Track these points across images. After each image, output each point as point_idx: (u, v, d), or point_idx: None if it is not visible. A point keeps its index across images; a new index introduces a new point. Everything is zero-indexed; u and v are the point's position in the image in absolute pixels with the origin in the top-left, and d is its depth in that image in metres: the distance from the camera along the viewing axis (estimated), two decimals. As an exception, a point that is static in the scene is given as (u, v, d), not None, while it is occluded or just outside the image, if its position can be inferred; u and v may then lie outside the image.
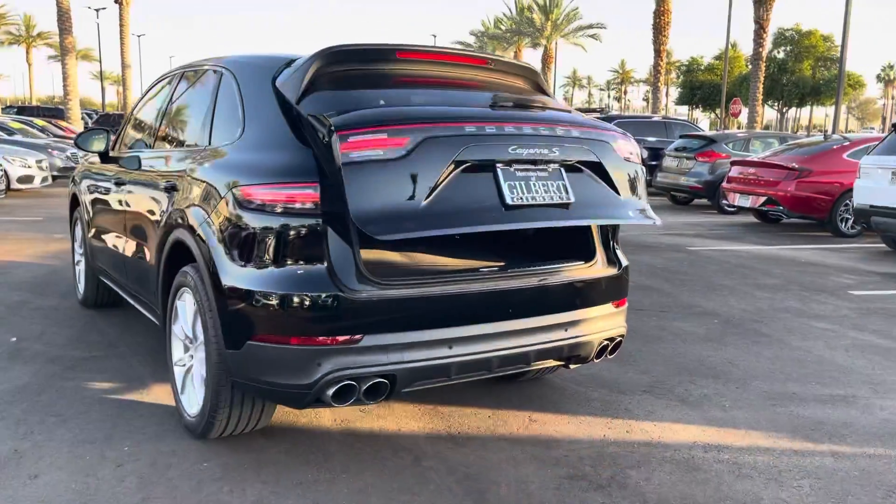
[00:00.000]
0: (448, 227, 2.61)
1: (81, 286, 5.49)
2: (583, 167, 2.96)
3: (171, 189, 3.41)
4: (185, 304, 3.22)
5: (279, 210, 2.70)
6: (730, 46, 71.00)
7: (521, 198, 2.76)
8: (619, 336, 3.29)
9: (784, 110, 67.04)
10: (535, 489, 2.84)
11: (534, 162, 2.82)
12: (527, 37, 46.35)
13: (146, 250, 3.74)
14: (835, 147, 10.82)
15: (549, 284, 3.04)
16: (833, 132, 18.48)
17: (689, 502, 2.77)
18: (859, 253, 9.11)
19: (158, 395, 3.73)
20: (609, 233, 3.34)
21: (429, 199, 2.58)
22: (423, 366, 2.77)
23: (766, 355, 4.66)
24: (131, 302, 4.32)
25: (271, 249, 2.72)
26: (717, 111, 52.34)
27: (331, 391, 2.69)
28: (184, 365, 3.32)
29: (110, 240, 4.46)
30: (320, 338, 2.66)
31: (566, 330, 3.08)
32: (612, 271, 3.28)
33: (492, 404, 3.68)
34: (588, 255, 3.25)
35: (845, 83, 24.26)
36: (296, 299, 2.67)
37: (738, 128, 45.26)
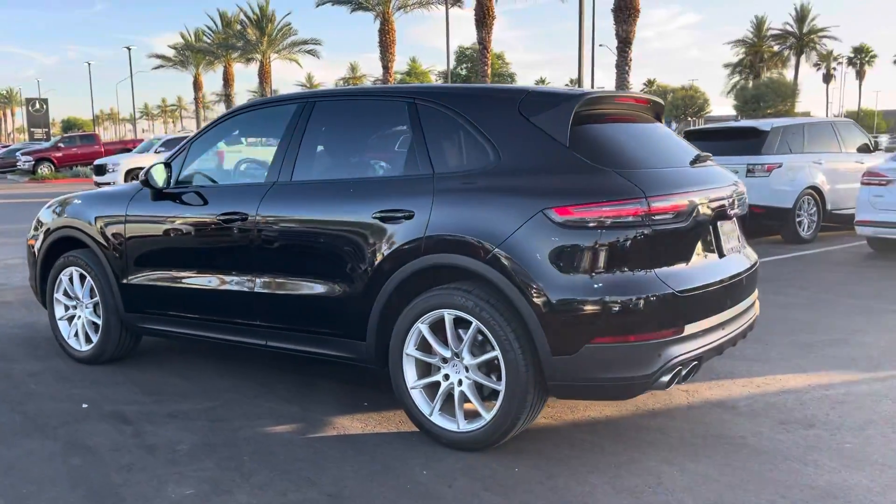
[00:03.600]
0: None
1: (81, 341, 4.87)
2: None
3: (394, 218, 3.47)
4: (432, 325, 3.40)
5: (610, 224, 3.07)
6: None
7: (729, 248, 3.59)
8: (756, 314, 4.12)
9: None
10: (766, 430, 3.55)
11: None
12: (237, 51, 45.41)
13: (341, 284, 3.68)
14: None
15: (751, 273, 3.77)
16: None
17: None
18: None
19: (351, 424, 3.70)
20: None
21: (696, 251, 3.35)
22: (713, 346, 3.34)
23: None
24: (242, 341, 4.11)
25: (609, 260, 3.08)
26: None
27: (666, 377, 3.13)
28: (448, 380, 3.42)
29: (226, 278, 4.14)
30: (661, 331, 3.10)
31: (753, 307, 3.84)
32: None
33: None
34: None
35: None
36: (640, 301, 3.07)
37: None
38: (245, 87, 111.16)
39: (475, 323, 3.26)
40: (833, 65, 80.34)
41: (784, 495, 2.94)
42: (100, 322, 4.75)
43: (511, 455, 3.33)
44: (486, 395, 3.41)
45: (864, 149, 11.17)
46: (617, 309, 3.06)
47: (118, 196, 4.73)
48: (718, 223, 3.47)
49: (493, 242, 3.21)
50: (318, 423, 3.78)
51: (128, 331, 4.74)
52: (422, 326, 3.44)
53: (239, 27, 44.65)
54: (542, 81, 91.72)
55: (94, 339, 4.81)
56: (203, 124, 57.35)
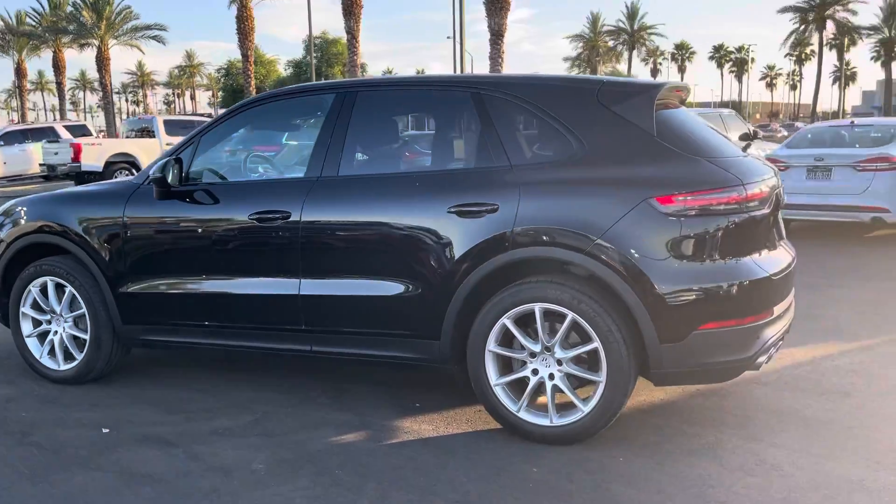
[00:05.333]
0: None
1: (59, 359, 4.34)
2: None
3: (475, 212, 3.37)
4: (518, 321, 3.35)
5: (716, 211, 3.16)
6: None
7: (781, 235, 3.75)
8: None
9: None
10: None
11: None
12: (68, 35, 41.84)
13: (411, 283, 3.51)
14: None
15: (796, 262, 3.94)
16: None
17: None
18: None
19: (420, 427, 3.57)
20: None
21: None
22: (787, 328, 3.52)
23: None
24: (282, 349, 3.85)
25: (712, 248, 3.16)
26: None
27: (763, 358, 3.27)
28: (536, 374, 3.37)
29: (263, 281, 3.82)
30: (760, 314, 3.23)
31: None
32: None
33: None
34: None
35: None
36: (743, 286, 3.17)
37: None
38: (74, 75, 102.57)
39: (571, 315, 3.24)
40: (659, 60, 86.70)
41: (878, 461, 3.17)
42: (85, 336, 4.25)
43: (603, 446, 3.34)
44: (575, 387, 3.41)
45: (745, 137, 12.15)
46: (723, 294, 3.16)
47: (108, 195, 4.25)
48: (777, 212, 3.66)
49: (593, 234, 3.20)
50: (385, 428, 3.60)
51: (121, 344, 4.28)
52: (507, 322, 3.37)
53: (71, 9, 41.09)
54: (390, 71, 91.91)
55: (78, 356, 4.30)
56: (28, 114, 52.17)
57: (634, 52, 75.83)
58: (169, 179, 3.92)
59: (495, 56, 24.68)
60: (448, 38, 54.17)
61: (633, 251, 3.16)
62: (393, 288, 3.57)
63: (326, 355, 3.83)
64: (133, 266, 4.09)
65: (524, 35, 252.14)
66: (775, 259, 3.38)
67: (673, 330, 3.16)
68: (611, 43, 75.18)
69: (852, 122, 10.36)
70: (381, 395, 4.04)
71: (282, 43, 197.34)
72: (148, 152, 17.74)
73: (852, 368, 4.35)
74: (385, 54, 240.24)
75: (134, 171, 17.02)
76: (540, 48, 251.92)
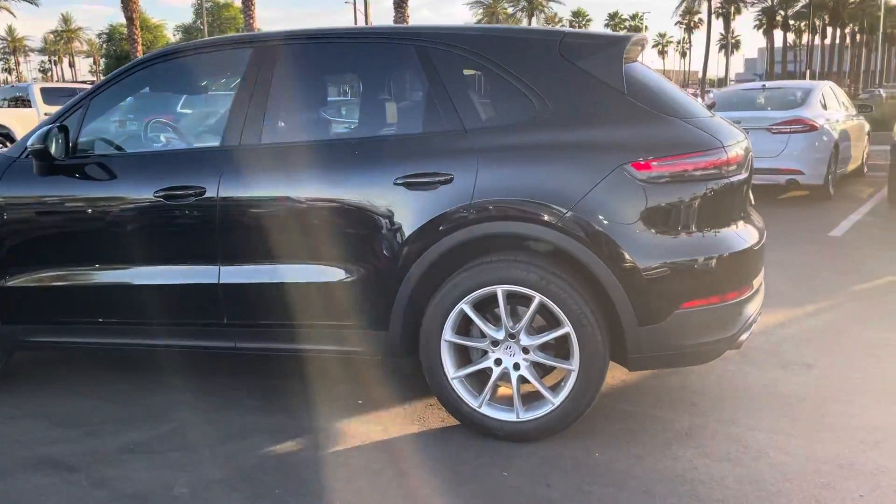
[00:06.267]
0: None
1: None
2: None
3: (426, 184, 2.94)
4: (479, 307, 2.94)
5: (696, 177, 2.84)
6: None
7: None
8: None
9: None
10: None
11: None
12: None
13: (351, 266, 3.05)
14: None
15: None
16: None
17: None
18: None
19: (367, 430, 3.15)
20: None
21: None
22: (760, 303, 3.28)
23: None
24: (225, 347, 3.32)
25: (692, 218, 2.85)
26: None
27: (744, 336, 3.01)
28: (499, 365, 3.00)
29: (174, 269, 3.26)
30: (742, 289, 2.95)
31: None
32: None
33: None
34: None
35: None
36: (726, 259, 2.88)
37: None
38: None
39: (538, 298, 2.88)
40: (558, 27, 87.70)
41: (862, 440, 2.99)
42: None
43: (575, 440, 3.02)
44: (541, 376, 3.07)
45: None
46: (706, 269, 2.87)
47: None
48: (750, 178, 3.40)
49: (563, 206, 2.83)
50: (326, 433, 3.16)
51: (1, 348, 3.63)
52: (465, 307, 2.97)
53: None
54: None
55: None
56: None
57: (533, 20, 76.29)
58: (53, 151, 3.28)
59: (400, 21, 23.91)
60: (347, 2, 52.57)
61: (607, 224, 2.81)
62: (330, 273, 3.10)
63: (254, 352, 3.33)
64: (11, 256, 3.44)
65: (423, 1, 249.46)
66: (751, 229, 3.12)
67: (653, 310, 2.84)
68: (510, 10, 75.34)
69: (763, 85, 10.46)
70: (316, 391, 3.58)
71: (168, 7, 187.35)
72: (24, 123, 16.16)
73: (806, 338, 4.21)
74: (280, 20, 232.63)
75: (7, 143, 15.48)
76: (438, 14, 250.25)
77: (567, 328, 2.88)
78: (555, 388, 2.98)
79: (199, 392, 3.61)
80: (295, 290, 3.14)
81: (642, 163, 2.81)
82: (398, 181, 2.97)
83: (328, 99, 3.42)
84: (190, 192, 3.16)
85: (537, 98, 2.97)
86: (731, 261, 2.91)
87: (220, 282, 3.20)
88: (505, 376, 3.02)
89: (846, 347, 4.04)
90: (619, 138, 2.88)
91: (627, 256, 2.80)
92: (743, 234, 3.00)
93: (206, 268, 3.21)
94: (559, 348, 2.99)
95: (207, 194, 3.15)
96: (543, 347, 3.00)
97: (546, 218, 2.84)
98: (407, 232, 2.98)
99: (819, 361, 3.84)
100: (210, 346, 3.34)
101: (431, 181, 2.94)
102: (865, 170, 11.59)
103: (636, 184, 2.81)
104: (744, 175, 3.03)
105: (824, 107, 9.40)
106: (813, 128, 8.70)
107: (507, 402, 3.04)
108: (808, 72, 65.27)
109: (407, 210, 2.97)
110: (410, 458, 2.93)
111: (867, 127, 11.55)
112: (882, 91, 35.47)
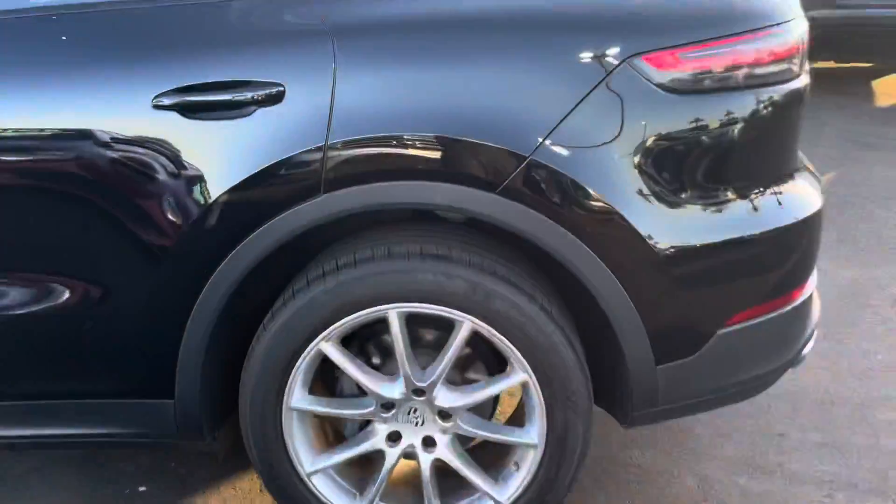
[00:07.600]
0: None
1: None
2: None
3: (227, 104, 1.42)
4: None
5: (758, 79, 1.51)
6: None
7: None
8: None
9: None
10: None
11: None
12: None
13: (89, 285, 1.51)
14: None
15: None
16: None
17: None
18: None
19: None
20: None
21: None
22: None
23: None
24: None
25: (748, 160, 1.54)
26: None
27: (807, 348, 1.78)
28: (397, 442, 1.62)
29: None
30: (808, 279, 1.70)
31: None
32: None
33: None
34: None
35: None
36: (797, 229, 1.61)
37: None
38: None
39: (467, 323, 1.48)
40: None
41: (874, 434, 2.07)
42: None
43: None
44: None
45: None
46: (769, 254, 1.58)
47: None
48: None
49: (517, 146, 1.41)
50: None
51: None
52: (328, 346, 1.52)
53: None
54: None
55: None
56: None
57: None
58: None
59: None
60: None
61: (601, 179, 1.43)
62: (49, 296, 1.53)
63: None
64: None
65: None
66: (809, 177, 1.83)
67: (682, 335, 1.54)
68: None
69: None
70: (99, 470, 2.05)
71: None
72: None
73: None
74: None
75: None
76: None
77: (523, 374, 1.51)
78: (500, 475, 1.64)
79: None
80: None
81: (662, 52, 1.42)
82: (163, 101, 1.40)
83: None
84: None
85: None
86: (799, 235, 1.64)
87: None
88: (409, 459, 1.64)
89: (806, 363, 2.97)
90: (619, 9, 1.47)
91: (638, 239, 1.45)
92: (809, 189, 1.72)
93: None
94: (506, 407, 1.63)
95: None
96: (479, 408, 1.62)
97: (484, 173, 1.41)
98: (193, 210, 1.45)
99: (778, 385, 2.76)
100: None
101: (236, 99, 1.40)
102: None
103: (653, 93, 1.42)
104: (808, 80, 1.71)
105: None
106: None
107: (417, 497, 1.67)
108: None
109: (189, 163, 1.43)
110: None
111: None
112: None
